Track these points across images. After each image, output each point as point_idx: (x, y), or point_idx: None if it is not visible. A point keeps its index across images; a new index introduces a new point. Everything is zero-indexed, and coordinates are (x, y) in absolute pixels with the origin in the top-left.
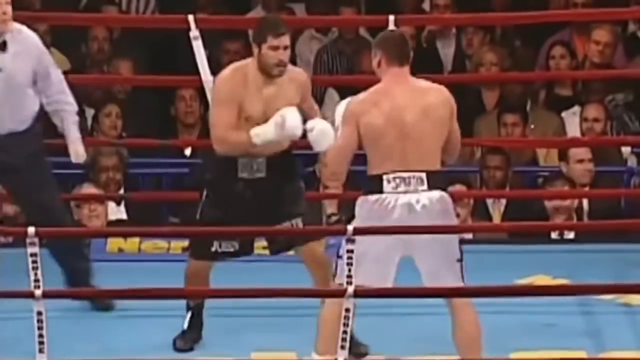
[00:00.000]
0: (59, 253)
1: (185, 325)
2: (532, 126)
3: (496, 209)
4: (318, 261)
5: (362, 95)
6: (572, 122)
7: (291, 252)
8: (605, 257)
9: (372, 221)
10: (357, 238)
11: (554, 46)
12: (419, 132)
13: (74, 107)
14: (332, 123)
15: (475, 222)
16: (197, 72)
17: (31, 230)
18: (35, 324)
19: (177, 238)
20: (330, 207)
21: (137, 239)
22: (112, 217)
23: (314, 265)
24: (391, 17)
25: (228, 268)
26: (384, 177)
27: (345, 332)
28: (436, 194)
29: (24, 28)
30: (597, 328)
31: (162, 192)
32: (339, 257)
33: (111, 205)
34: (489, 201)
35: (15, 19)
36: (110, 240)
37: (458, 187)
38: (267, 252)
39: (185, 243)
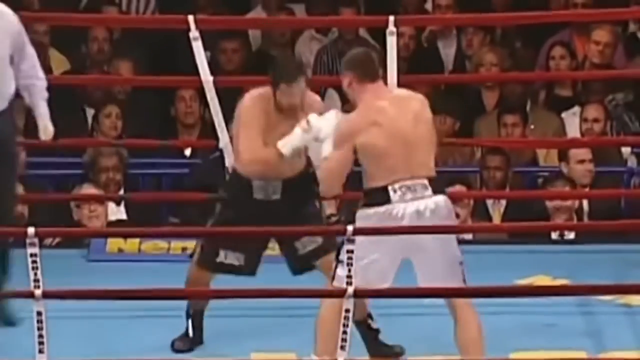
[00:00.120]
0: None
1: (186, 330)
2: (532, 126)
3: (496, 209)
4: None
5: (354, 115)
6: (572, 122)
7: None
8: (605, 257)
9: None
10: (359, 245)
11: (554, 46)
12: (417, 137)
13: (44, 83)
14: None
15: (475, 223)
16: (197, 73)
17: (31, 230)
18: (35, 324)
19: (177, 238)
20: (329, 207)
21: (137, 240)
22: (112, 217)
23: None
24: (391, 18)
25: None
26: (389, 187)
27: (345, 332)
28: (441, 197)
29: (1, 5)
30: (597, 328)
31: (162, 193)
32: (340, 261)
33: (111, 205)
34: (489, 201)
35: None
36: (110, 240)
37: (458, 188)
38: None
39: (185, 243)
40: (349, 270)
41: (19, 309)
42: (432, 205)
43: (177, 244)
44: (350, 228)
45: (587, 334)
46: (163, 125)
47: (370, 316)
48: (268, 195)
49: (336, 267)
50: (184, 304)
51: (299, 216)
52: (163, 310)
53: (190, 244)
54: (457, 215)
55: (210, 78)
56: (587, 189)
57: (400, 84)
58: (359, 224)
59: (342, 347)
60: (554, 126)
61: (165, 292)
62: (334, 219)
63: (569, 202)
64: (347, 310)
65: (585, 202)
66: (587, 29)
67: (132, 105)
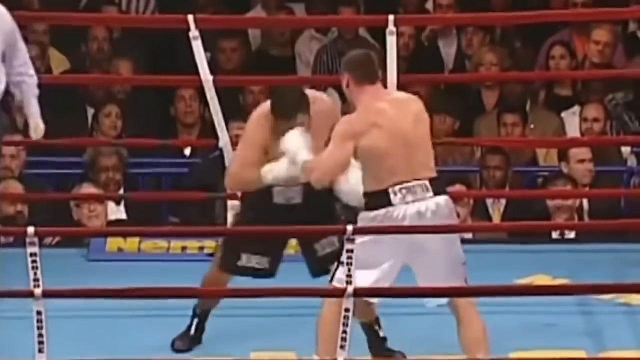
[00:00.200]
0: None
1: (188, 328)
2: (532, 126)
3: (496, 209)
4: None
5: (354, 117)
6: (572, 122)
7: (291, 251)
8: (605, 257)
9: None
10: (360, 246)
11: (553, 46)
12: (418, 139)
13: (35, 80)
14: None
15: (475, 222)
16: (197, 72)
17: (31, 230)
18: (35, 324)
19: (177, 238)
20: None
21: (137, 239)
22: (112, 217)
23: None
24: (391, 17)
25: None
26: (390, 190)
27: (345, 332)
28: (442, 198)
29: None
30: (597, 328)
31: (162, 192)
32: (341, 263)
33: (111, 205)
34: (489, 201)
35: (15, 18)
36: (110, 240)
37: (458, 187)
38: None
39: (185, 243)
40: (349, 270)
41: (18, 309)
42: (434, 206)
43: (177, 244)
44: (350, 228)
45: (587, 334)
46: (163, 125)
47: (378, 323)
48: (288, 199)
49: (337, 268)
50: (184, 303)
51: (319, 220)
52: (163, 310)
53: (191, 244)
54: (458, 215)
55: (210, 78)
56: (587, 189)
57: (400, 84)
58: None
59: (342, 347)
60: (554, 126)
61: (165, 291)
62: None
63: (570, 202)
64: (347, 310)
65: (585, 202)
66: (587, 28)
67: (132, 105)
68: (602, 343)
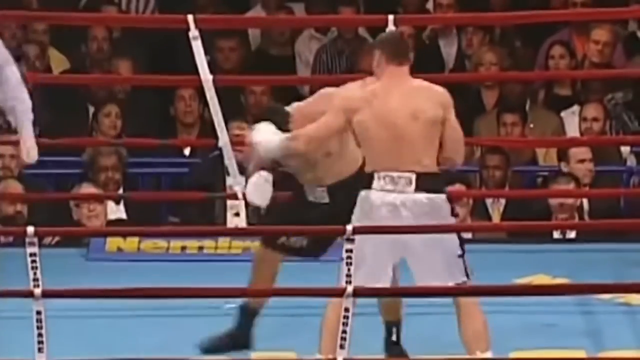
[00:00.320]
0: None
1: (237, 325)
2: (532, 126)
3: (495, 208)
4: None
5: (356, 92)
6: (572, 121)
7: None
8: (605, 257)
9: (361, 217)
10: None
11: (553, 46)
12: (410, 134)
13: (29, 104)
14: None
15: (474, 222)
16: (197, 72)
17: (31, 230)
18: (35, 324)
19: (176, 237)
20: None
21: (136, 239)
22: (112, 216)
23: None
24: (390, 17)
25: (228, 267)
26: (375, 174)
27: (344, 331)
28: (423, 196)
29: None
30: (597, 328)
31: (162, 192)
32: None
33: (110, 204)
34: (489, 201)
35: (15, 18)
36: (109, 239)
37: (457, 187)
38: None
39: (184, 242)
40: (349, 270)
41: (18, 308)
42: (409, 202)
43: (176, 243)
44: (349, 227)
45: (587, 334)
46: (162, 125)
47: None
48: (317, 198)
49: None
50: (183, 303)
51: (348, 219)
52: (163, 310)
53: (190, 244)
54: (457, 215)
55: (210, 77)
56: (587, 188)
57: None
58: (357, 205)
59: (342, 346)
60: (554, 125)
61: (165, 291)
62: None
63: (571, 200)
64: (346, 309)
65: (585, 201)
66: (587, 28)
67: (132, 105)
68: (602, 343)
